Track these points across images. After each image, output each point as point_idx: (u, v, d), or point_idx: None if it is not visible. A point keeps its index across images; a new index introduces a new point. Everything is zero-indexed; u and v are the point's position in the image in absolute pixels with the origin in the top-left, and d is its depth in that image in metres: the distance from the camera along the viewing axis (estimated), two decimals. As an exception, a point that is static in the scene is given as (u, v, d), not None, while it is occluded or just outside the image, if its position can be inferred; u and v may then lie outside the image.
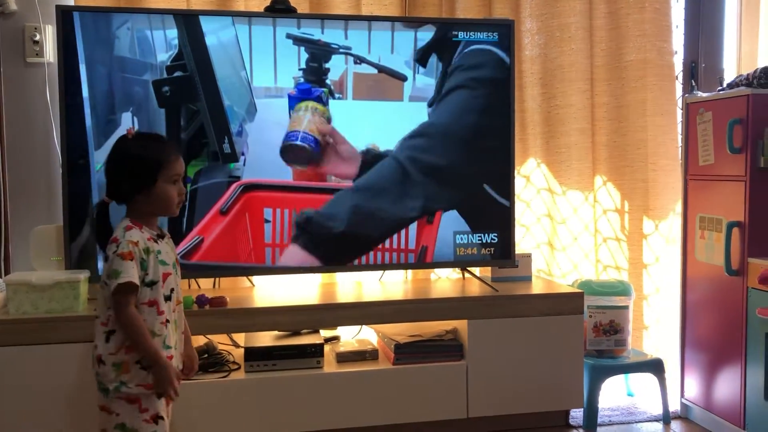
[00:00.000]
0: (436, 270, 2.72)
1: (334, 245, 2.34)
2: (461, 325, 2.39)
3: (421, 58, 2.37)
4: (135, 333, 1.58)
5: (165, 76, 2.21)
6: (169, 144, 1.72)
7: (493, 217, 2.46)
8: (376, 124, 2.37)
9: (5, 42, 2.43)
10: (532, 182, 2.84)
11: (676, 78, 2.95)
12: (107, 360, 1.60)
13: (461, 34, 2.39)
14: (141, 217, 1.66)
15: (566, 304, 2.40)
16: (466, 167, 2.42)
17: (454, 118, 2.39)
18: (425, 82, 2.39)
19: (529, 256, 2.65)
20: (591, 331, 2.55)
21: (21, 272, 2.20)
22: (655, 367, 2.57)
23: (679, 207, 2.73)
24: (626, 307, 2.57)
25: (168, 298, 1.66)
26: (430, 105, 2.39)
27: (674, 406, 2.62)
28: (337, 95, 2.33)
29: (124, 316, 1.58)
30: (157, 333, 1.63)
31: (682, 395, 2.62)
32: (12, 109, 2.44)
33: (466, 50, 2.40)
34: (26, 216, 2.44)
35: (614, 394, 2.78)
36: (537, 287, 2.53)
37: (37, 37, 2.44)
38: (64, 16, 2.15)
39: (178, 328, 1.73)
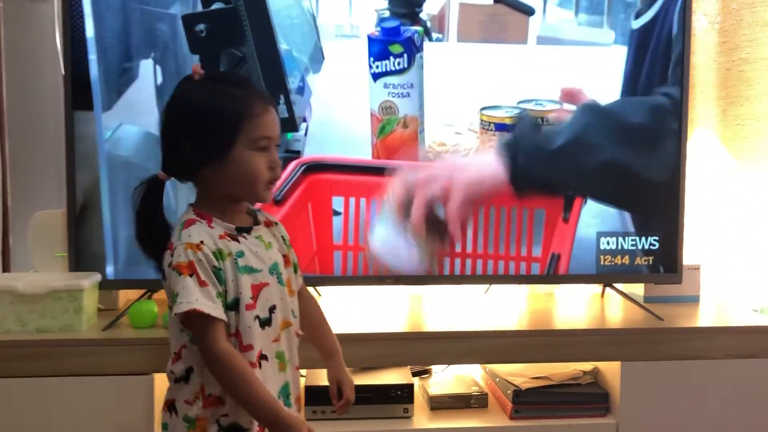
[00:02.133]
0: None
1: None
2: (606, 366, 1.75)
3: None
4: (232, 381, 1.09)
5: (200, 9, 1.61)
6: (256, 91, 1.18)
7: (654, 214, 1.80)
8: (490, 77, 1.73)
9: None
10: (701, 163, 2.11)
11: None
12: (180, 409, 1.14)
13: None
14: (212, 204, 1.16)
15: (764, 341, 1.70)
16: (615, 146, 1.75)
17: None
18: (561, 17, 1.74)
19: (697, 268, 1.94)
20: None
21: (6, 274, 1.69)
22: None
23: None
24: None
25: (266, 322, 1.15)
26: None
27: None
28: (435, 36, 1.71)
29: (209, 358, 1.10)
30: None
31: None
32: (13, 60, 1.91)
33: None
34: (30, 197, 1.93)
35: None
36: (711, 313, 1.85)
37: (44, -36, 1.89)
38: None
39: (290, 362, 1.20)
